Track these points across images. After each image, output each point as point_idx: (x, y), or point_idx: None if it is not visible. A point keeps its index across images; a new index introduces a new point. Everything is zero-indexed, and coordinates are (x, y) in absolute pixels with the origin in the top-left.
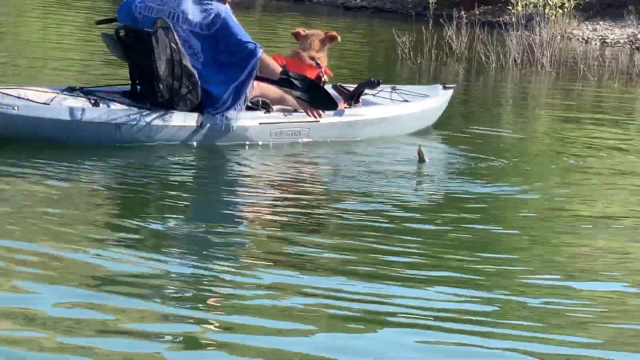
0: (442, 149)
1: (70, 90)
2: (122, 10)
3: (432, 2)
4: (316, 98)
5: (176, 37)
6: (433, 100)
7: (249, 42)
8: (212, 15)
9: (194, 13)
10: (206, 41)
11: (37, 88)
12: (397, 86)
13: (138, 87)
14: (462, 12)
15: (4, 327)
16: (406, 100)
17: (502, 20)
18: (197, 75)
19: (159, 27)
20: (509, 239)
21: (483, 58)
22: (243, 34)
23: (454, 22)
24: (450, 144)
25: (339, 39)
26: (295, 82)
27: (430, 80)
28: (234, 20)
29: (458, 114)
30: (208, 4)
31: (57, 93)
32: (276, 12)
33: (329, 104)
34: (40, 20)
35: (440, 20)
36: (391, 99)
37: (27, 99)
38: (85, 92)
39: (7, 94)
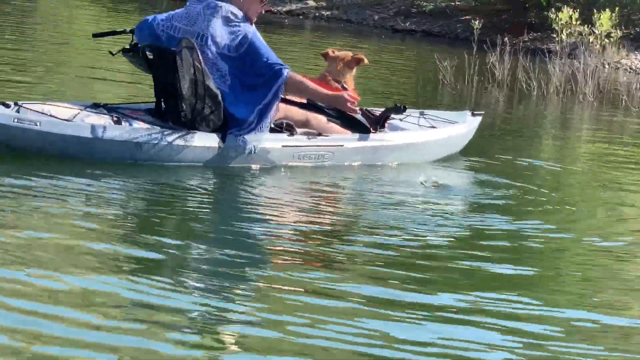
0: (472, 177)
1: (95, 106)
2: (142, 29)
3: (477, 28)
4: (348, 122)
5: (200, 57)
6: (461, 127)
7: (276, 63)
8: (240, 37)
9: (222, 35)
10: (233, 63)
11: (61, 104)
12: (426, 111)
13: (163, 105)
14: (506, 39)
15: (18, 349)
16: (433, 126)
17: (546, 48)
18: (220, 96)
19: (184, 47)
20: (542, 276)
21: (524, 85)
22: (270, 55)
23: (498, 48)
24: (481, 171)
25: (366, 61)
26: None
27: (470, 106)
28: (261, 42)
29: (491, 140)
30: (236, 25)
31: (81, 109)
32: (326, 33)
33: (361, 127)
34: (69, 34)
35: (484, 46)
36: (418, 125)
37: (50, 115)
38: (109, 109)
39: (31, 109)
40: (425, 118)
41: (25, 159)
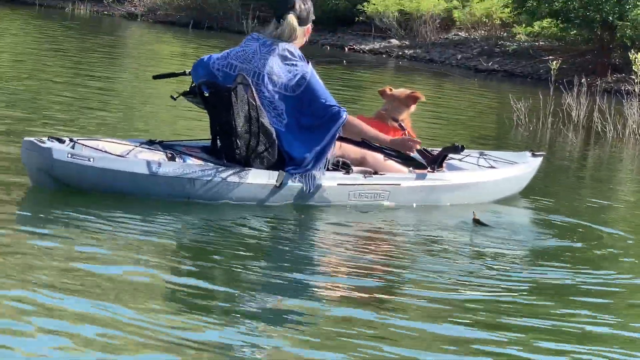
0: (538, 218)
1: (150, 143)
2: (197, 68)
3: (554, 68)
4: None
5: (255, 94)
6: (520, 167)
7: (334, 105)
8: (298, 77)
9: (279, 74)
10: (291, 103)
11: (116, 140)
12: (486, 152)
13: (218, 142)
14: (583, 80)
15: None
16: (492, 167)
17: (624, 89)
18: (275, 134)
19: (239, 83)
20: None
21: (599, 127)
22: (328, 96)
23: (575, 89)
24: (548, 212)
25: (423, 98)
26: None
27: (542, 147)
28: (319, 82)
29: (561, 182)
30: (293, 64)
31: (136, 146)
32: (409, 73)
33: (419, 166)
34: (127, 71)
35: (561, 86)
36: (478, 165)
37: (104, 151)
38: (165, 146)
39: (86, 145)
40: (484, 158)
41: (79, 196)
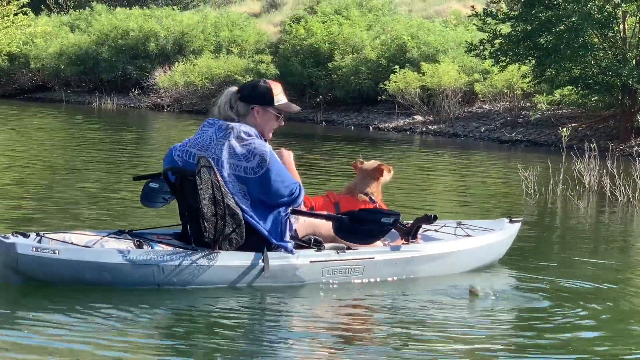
0: (505, 287)
1: (119, 233)
2: (165, 159)
3: (565, 135)
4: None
5: (218, 176)
6: (497, 235)
7: (294, 183)
8: (257, 159)
9: (238, 157)
10: (252, 183)
11: (83, 232)
12: (463, 221)
13: (188, 228)
14: (593, 144)
15: None
16: (468, 235)
17: (636, 152)
18: (241, 215)
19: (202, 166)
20: None
21: (608, 192)
22: (287, 177)
23: (586, 154)
24: (521, 281)
25: (388, 169)
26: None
27: (549, 213)
28: (278, 162)
29: (559, 247)
30: (250, 143)
31: (103, 236)
32: (434, 148)
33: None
34: (92, 164)
35: (571, 152)
36: (455, 234)
37: (70, 242)
38: (134, 235)
39: (52, 239)
40: (462, 228)
41: (45, 290)
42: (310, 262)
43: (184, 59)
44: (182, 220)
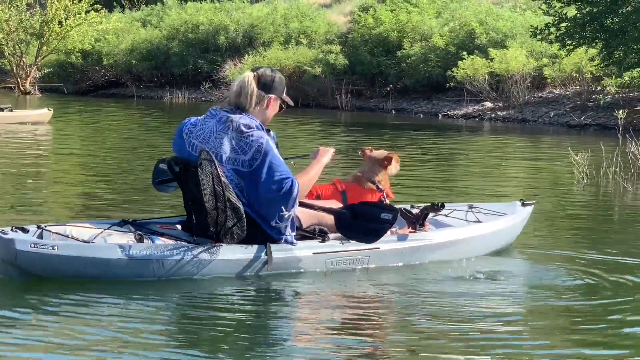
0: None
1: (122, 223)
2: (174, 143)
3: (621, 118)
4: (360, 227)
5: (219, 169)
6: (508, 219)
7: (286, 178)
8: (253, 151)
9: (236, 151)
10: (247, 178)
11: (86, 224)
12: (475, 204)
13: (193, 218)
14: None
15: None
16: (479, 221)
17: None
18: (242, 209)
19: (203, 159)
20: None
21: None
22: (282, 169)
23: None
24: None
25: (397, 159)
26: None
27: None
28: (273, 154)
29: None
30: (248, 136)
31: (105, 229)
32: (503, 134)
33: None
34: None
35: (626, 135)
36: (466, 219)
37: (71, 237)
38: (138, 225)
39: (53, 232)
40: (472, 212)
41: (45, 283)
42: (314, 253)
43: (254, 51)
44: (186, 210)
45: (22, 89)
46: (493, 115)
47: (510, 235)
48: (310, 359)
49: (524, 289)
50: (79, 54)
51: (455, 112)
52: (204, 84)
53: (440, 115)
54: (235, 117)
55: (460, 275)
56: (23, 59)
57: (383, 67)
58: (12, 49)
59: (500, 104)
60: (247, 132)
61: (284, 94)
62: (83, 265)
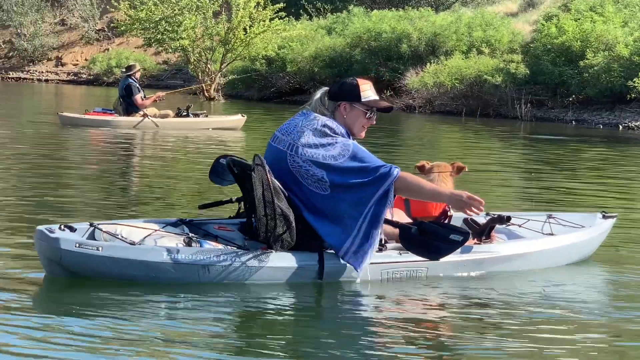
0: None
1: (179, 223)
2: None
3: None
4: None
5: (269, 176)
6: (585, 233)
7: (383, 165)
8: (339, 147)
9: (315, 145)
10: (332, 169)
11: (138, 223)
12: (554, 214)
13: (253, 220)
14: None
15: None
16: (552, 234)
17: None
18: (292, 217)
19: (256, 165)
20: None
21: None
22: (375, 159)
23: None
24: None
25: (467, 168)
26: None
27: None
28: (363, 150)
29: None
30: (332, 137)
31: (157, 229)
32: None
33: (450, 244)
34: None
35: None
36: (541, 231)
37: (120, 237)
38: (193, 225)
39: (103, 230)
40: (549, 223)
41: (90, 284)
42: (370, 263)
43: (436, 60)
44: (245, 211)
45: (207, 94)
46: None
47: (587, 248)
48: None
49: (595, 305)
50: (264, 61)
51: (637, 123)
52: (385, 92)
53: (620, 126)
54: (321, 117)
55: (524, 290)
56: (208, 66)
57: (565, 77)
58: (198, 55)
59: None
60: (332, 136)
61: (366, 99)
62: (127, 267)
